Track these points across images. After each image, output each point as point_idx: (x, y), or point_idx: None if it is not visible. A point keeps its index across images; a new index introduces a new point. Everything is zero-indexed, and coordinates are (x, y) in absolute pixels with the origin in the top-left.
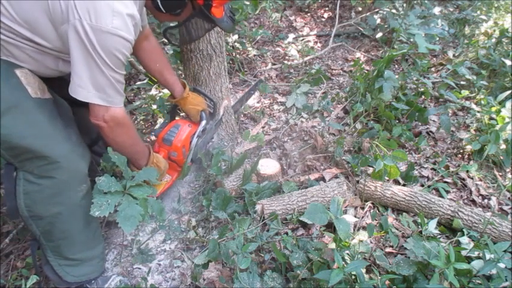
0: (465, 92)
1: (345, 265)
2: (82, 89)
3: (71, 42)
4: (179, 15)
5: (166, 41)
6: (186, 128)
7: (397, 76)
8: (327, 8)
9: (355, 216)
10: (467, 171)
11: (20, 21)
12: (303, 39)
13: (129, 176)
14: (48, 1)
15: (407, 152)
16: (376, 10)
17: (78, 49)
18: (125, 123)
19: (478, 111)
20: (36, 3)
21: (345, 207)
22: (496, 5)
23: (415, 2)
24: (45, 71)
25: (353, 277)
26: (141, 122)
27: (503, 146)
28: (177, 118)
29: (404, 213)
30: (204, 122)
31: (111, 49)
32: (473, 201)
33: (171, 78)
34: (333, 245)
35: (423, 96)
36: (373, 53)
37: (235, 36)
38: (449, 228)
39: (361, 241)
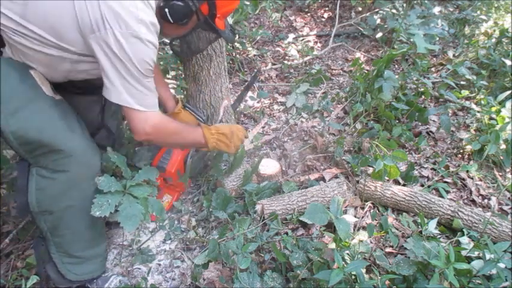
0: (465, 92)
1: (345, 265)
2: (120, 94)
3: (100, 52)
4: (185, 26)
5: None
6: (179, 152)
7: (397, 76)
8: (327, 8)
9: (355, 216)
10: (467, 171)
11: (47, 28)
12: (303, 39)
13: (129, 176)
14: (77, 13)
15: (407, 152)
16: (376, 10)
17: (110, 59)
18: (164, 126)
19: (478, 111)
20: (63, 14)
21: (345, 207)
22: (496, 5)
23: (415, 2)
24: (53, 75)
25: (353, 277)
26: None
27: (503, 146)
28: None
29: (404, 213)
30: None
31: (142, 55)
32: (473, 201)
33: (165, 93)
34: (333, 245)
35: (423, 96)
36: (373, 53)
37: (235, 37)
38: (449, 228)
39: (361, 241)
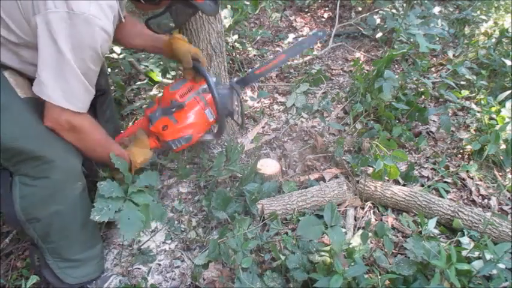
0: (465, 92)
1: (345, 270)
2: (46, 87)
3: (40, 33)
4: (158, 4)
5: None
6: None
7: (397, 76)
8: (327, 8)
9: (355, 217)
10: (467, 171)
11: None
12: None
13: (129, 181)
14: None
15: (407, 152)
16: (376, 10)
17: (47, 41)
18: (83, 130)
19: (478, 111)
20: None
21: (345, 207)
22: (496, 5)
23: (415, 2)
24: (29, 69)
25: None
26: None
27: (503, 146)
28: None
29: (404, 213)
30: (209, 77)
31: (86, 39)
32: (473, 201)
33: (154, 36)
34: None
35: (423, 96)
36: (373, 53)
37: (235, 36)
38: (449, 228)
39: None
